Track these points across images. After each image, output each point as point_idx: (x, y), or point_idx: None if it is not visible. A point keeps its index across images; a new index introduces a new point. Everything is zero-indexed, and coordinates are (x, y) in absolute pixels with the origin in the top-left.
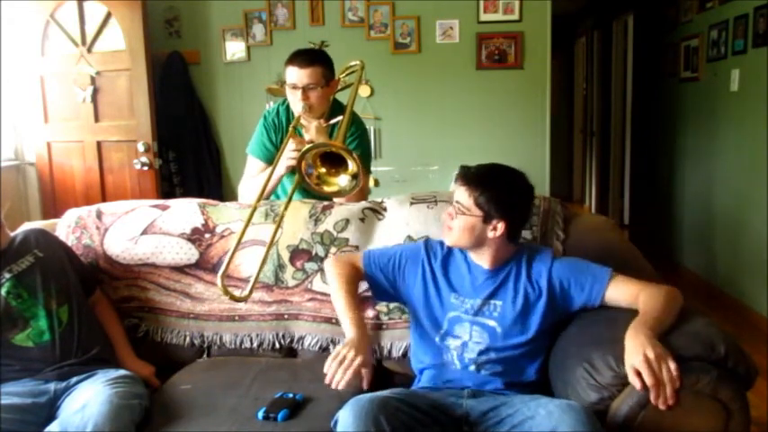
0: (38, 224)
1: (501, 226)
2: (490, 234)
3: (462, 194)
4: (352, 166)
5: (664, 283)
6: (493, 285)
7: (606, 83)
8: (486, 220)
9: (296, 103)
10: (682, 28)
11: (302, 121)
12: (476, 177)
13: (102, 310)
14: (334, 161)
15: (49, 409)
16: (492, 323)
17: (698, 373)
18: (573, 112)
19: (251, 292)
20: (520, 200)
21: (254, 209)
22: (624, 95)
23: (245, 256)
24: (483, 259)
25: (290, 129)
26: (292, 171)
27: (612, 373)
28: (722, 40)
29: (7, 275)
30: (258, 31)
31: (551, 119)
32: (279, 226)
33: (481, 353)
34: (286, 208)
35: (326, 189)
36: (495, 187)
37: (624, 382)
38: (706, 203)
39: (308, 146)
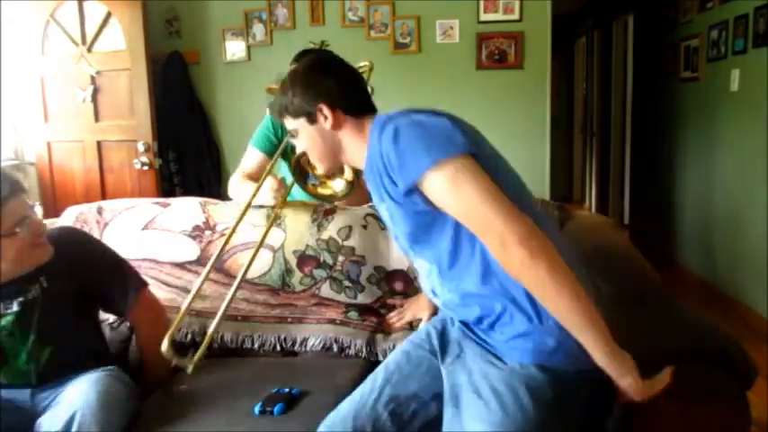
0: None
1: (324, 108)
2: (327, 125)
3: (286, 124)
4: (347, 172)
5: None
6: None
7: (606, 83)
8: (310, 118)
9: None
10: (682, 28)
11: None
12: (276, 99)
13: (140, 324)
14: None
15: (35, 410)
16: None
17: (698, 372)
18: (573, 112)
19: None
20: (317, 72)
21: (244, 212)
22: (624, 95)
23: (248, 258)
24: (355, 162)
25: (279, 150)
26: (288, 160)
27: None
28: (722, 40)
29: (15, 308)
30: (258, 30)
31: (551, 119)
32: (271, 226)
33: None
34: (281, 208)
35: (321, 191)
36: (291, 87)
37: None
38: (706, 203)
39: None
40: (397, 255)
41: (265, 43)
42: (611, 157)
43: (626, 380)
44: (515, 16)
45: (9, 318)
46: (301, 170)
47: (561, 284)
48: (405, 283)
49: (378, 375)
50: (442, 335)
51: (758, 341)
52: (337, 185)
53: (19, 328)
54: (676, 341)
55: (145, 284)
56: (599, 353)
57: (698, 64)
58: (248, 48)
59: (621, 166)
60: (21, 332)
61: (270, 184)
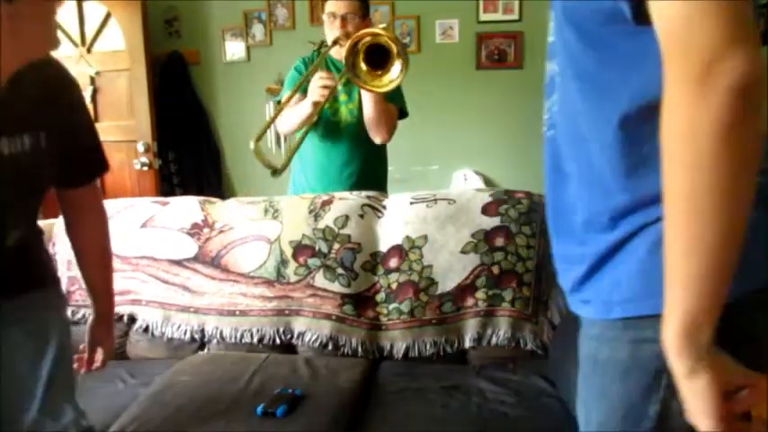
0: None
1: None
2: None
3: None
4: (397, 51)
5: None
6: None
7: None
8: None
9: (333, 34)
10: None
11: (334, 54)
12: None
13: (81, 218)
14: (375, 61)
15: None
16: None
17: None
18: None
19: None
20: None
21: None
22: None
23: (247, 252)
24: None
25: (321, 55)
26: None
27: None
28: None
29: None
30: (258, 31)
31: None
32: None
33: None
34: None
35: (374, 88)
36: None
37: None
38: None
39: (363, 30)
40: (393, 232)
41: (265, 43)
42: None
43: (695, 384)
44: (515, 16)
45: None
46: (353, 61)
47: (733, 181)
48: (399, 258)
49: None
50: None
51: None
52: (393, 73)
53: None
54: None
55: (108, 168)
56: (679, 320)
57: None
58: (248, 48)
59: None
60: None
61: (318, 76)
